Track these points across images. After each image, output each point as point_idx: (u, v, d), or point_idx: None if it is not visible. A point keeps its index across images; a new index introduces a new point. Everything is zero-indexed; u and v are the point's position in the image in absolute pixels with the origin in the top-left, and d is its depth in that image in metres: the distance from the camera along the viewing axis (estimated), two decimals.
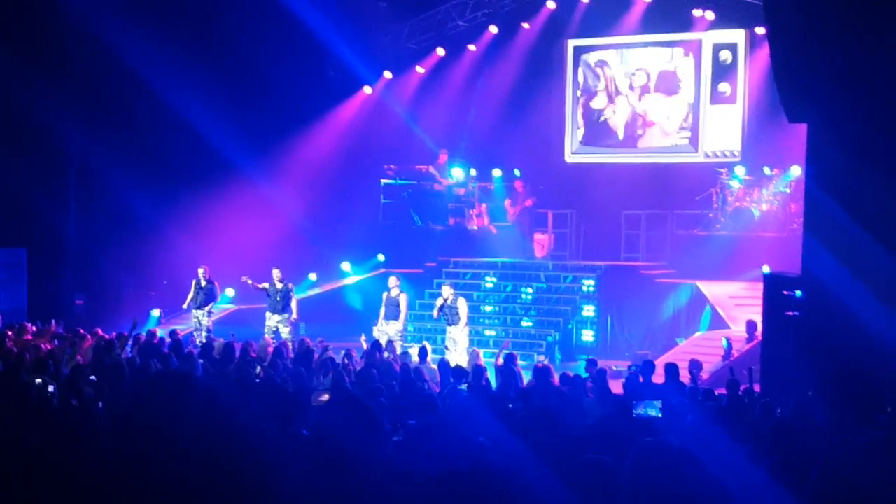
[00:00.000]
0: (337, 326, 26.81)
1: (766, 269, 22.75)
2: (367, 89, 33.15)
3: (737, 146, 30.04)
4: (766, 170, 28.29)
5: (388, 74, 33.29)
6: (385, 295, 24.31)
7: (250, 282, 24.82)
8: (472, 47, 32.87)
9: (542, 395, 13.60)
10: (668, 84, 30.90)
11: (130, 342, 19.69)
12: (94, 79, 27.03)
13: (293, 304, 24.51)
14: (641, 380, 16.41)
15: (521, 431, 9.50)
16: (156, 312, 27.24)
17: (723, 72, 30.17)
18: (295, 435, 7.96)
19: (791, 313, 18.42)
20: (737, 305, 25.26)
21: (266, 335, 23.17)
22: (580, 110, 32.17)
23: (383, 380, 15.01)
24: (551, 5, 31.70)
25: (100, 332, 20.50)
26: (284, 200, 30.04)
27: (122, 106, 27.33)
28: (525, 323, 27.56)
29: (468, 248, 30.48)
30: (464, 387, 15.61)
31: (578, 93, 32.22)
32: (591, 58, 31.98)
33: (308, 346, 19.14)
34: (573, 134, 32.35)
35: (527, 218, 30.89)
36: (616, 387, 16.48)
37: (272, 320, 24.37)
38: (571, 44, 32.31)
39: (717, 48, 30.21)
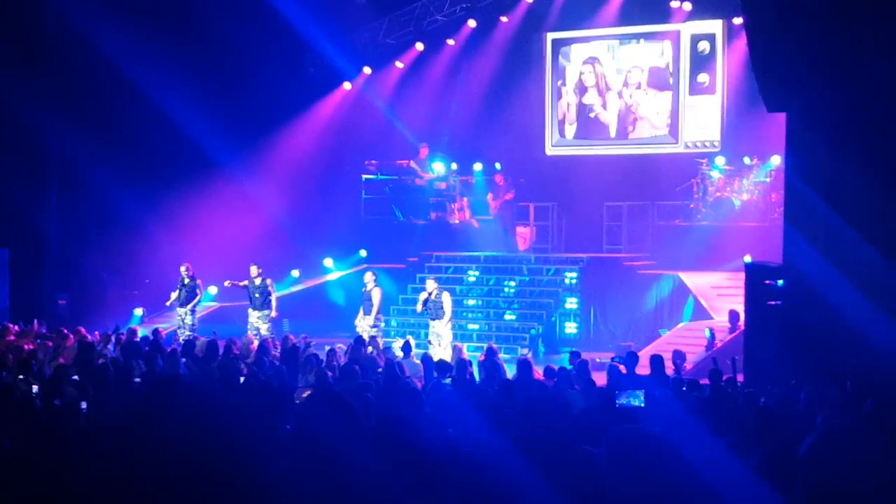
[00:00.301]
0: (320, 322, 26.82)
1: (747, 258, 22.78)
2: (347, 85, 33.20)
3: (716, 136, 30.11)
4: (747, 160, 28.35)
5: (367, 70, 33.33)
6: (363, 290, 24.35)
7: (229, 283, 24.84)
8: (450, 41, 32.89)
9: (525, 388, 13.60)
10: (659, 80, 30.92)
11: (113, 340, 19.66)
12: (75, 76, 27.01)
13: (273, 301, 24.45)
14: (624, 371, 16.42)
15: (504, 424, 9.52)
16: (138, 311, 27.18)
17: (701, 62, 30.23)
18: (278, 431, 7.97)
19: (773, 303, 18.48)
20: (719, 296, 25.28)
21: (249, 332, 23.19)
22: (574, 107, 32.18)
23: (367, 375, 15.01)
24: None
25: (82, 331, 20.46)
26: (266, 197, 30.06)
27: (104, 103, 27.30)
28: (508, 316, 27.59)
29: (450, 243, 30.47)
30: (447, 381, 15.62)
31: (570, 89, 32.22)
32: (581, 54, 31.97)
33: (293, 343, 19.12)
34: (556, 128, 32.36)
35: (508, 211, 30.91)
36: (600, 378, 16.50)
37: (253, 317, 24.37)
38: (550, 37, 32.34)
39: (695, 39, 30.27)
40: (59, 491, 6.04)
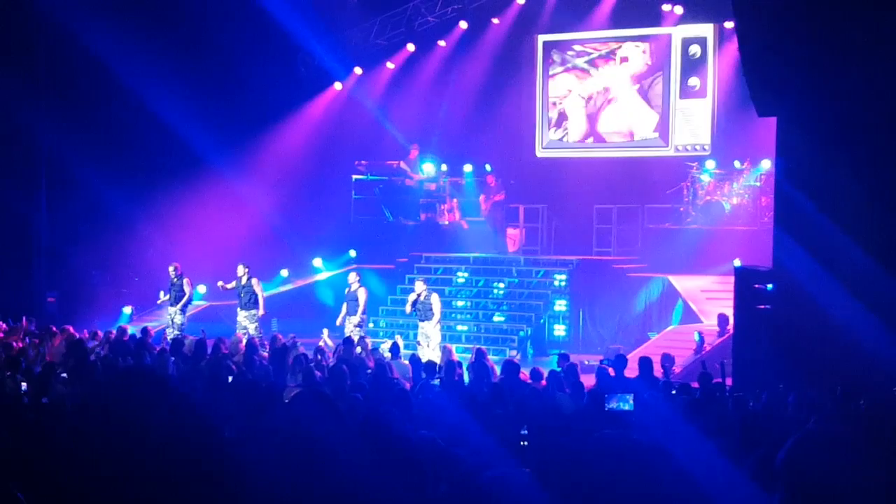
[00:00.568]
0: (309, 322, 26.75)
1: (737, 262, 22.76)
2: (338, 85, 33.19)
3: (707, 140, 30.14)
4: (737, 164, 28.40)
5: (358, 70, 33.33)
6: (346, 291, 24.30)
7: (222, 285, 24.78)
8: (442, 43, 32.87)
9: (515, 390, 13.60)
10: (649, 83, 30.98)
11: (102, 338, 19.68)
12: (66, 75, 27.02)
13: (260, 299, 24.39)
14: (613, 373, 16.42)
15: (493, 425, 9.52)
16: (127, 309, 27.15)
17: (692, 66, 30.27)
18: (265, 430, 7.97)
19: (762, 307, 18.50)
20: (708, 299, 25.29)
21: (238, 331, 23.19)
22: (565, 110, 32.21)
23: (355, 376, 15.00)
24: (521, 1, 31.72)
25: (70, 329, 20.43)
26: (256, 197, 30.08)
27: (94, 102, 27.29)
28: (497, 318, 27.57)
29: (439, 244, 30.47)
30: (436, 382, 15.63)
31: (560, 91, 32.28)
32: (580, 61, 31.99)
33: (282, 342, 19.10)
34: (546, 130, 32.39)
35: (498, 213, 30.92)
36: (588, 381, 16.49)
37: (241, 316, 24.34)
38: (541, 39, 32.37)
39: (687, 43, 30.30)
40: (47, 488, 6.02)
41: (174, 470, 5.11)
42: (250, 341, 20.32)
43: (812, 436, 6.30)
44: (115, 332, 20.58)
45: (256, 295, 24.31)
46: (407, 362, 18.11)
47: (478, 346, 20.49)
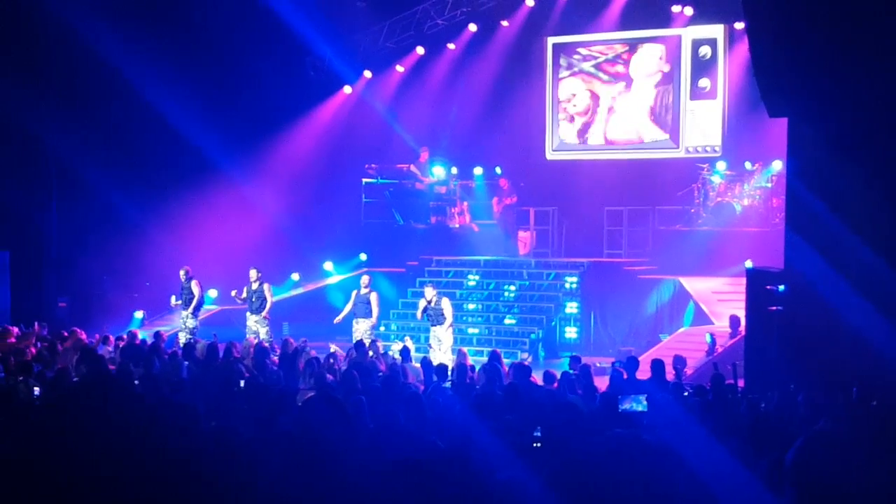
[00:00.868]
0: (320, 326, 26.75)
1: (748, 264, 22.70)
2: (348, 89, 33.18)
3: (717, 141, 30.10)
4: (748, 165, 28.37)
5: (367, 74, 33.33)
6: (355, 293, 24.18)
7: (236, 294, 24.71)
8: (451, 46, 32.82)
9: (529, 392, 13.59)
10: (660, 85, 30.97)
11: (113, 343, 19.72)
12: (74, 80, 27.03)
13: (268, 304, 24.29)
14: (626, 376, 16.40)
15: (504, 428, 9.51)
16: (139, 314, 27.20)
17: (702, 67, 30.23)
18: (277, 433, 7.96)
19: (774, 308, 18.45)
20: (720, 301, 25.23)
21: (248, 336, 23.18)
22: (575, 112, 32.20)
23: (366, 380, 14.97)
24: (530, 3, 31.69)
25: (78, 331, 20.45)
26: (266, 200, 30.11)
27: (104, 107, 27.33)
28: (508, 321, 27.53)
29: (450, 247, 30.48)
30: (448, 384, 15.62)
31: (571, 94, 32.26)
32: (587, 65, 31.97)
33: (294, 347, 19.09)
34: (557, 132, 32.38)
35: (509, 216, 30.93)
36: (600, 383, 16.47)
37: (251, 320, 24.31)
38: (551, 41, 32.35)
39: (697, 44, 30.26)
40: (59, 491, 6.04)
41: (185, 470, 5.12)
42: (261, 345, 20.31)
43: (820, 437, 6.30)
44: (126, 336, 20.61)
45: (265, 300, 24.25)
46: (418, 365, 18.09)
47: (493, 349, 20.44)
